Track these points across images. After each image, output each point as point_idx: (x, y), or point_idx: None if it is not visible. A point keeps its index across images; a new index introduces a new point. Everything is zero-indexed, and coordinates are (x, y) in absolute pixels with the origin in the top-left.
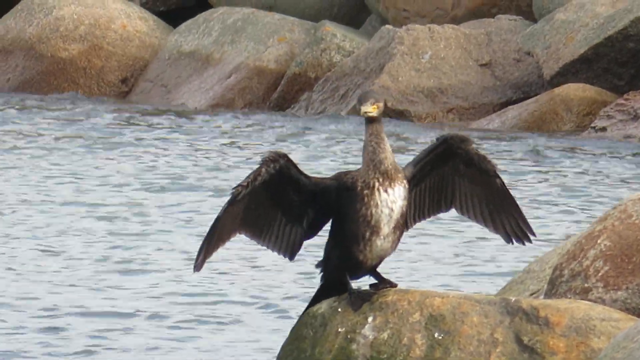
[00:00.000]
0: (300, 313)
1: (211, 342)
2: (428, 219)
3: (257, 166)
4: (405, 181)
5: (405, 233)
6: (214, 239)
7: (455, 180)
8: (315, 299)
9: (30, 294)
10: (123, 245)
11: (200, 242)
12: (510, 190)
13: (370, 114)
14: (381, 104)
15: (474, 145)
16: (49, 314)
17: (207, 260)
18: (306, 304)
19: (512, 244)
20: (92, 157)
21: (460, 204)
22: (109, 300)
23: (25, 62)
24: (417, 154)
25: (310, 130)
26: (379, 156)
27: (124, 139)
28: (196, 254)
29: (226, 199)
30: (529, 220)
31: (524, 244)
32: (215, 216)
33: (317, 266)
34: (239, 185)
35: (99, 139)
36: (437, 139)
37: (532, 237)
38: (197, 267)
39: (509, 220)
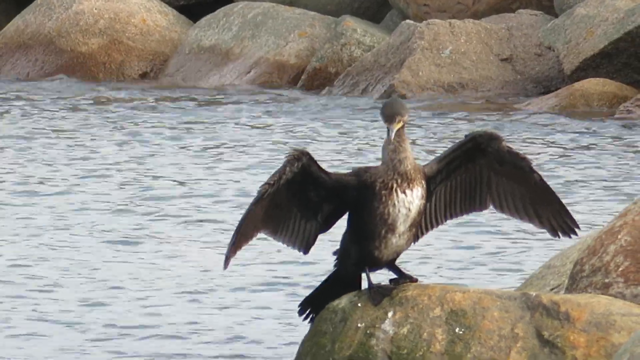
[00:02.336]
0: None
1: (231, 337)
2: (460, 217)
3: (282, 165)
4: (423, 182)
5: (435, 228)
6: (240, 237)
7: (490, 177)
8: (324, 286)
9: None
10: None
11: (229, 240)
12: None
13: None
14: (406, 117)
15: (504, 142)
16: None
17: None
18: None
19: (559, 238)
20: (113, 143)
21: (500, 202)
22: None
23: (44, 56)
24: (443, 150)
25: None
26: (399, 156)
27: (143, 127)
28: (225, 251)
29: (250, 199)
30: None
31: (570, 237)
32: (241, 215)
33: (334, 253)
34: (265, 183)
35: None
36: (466, 136)
37: (576, 230)
38: (225, 264)
39: (553, 215)
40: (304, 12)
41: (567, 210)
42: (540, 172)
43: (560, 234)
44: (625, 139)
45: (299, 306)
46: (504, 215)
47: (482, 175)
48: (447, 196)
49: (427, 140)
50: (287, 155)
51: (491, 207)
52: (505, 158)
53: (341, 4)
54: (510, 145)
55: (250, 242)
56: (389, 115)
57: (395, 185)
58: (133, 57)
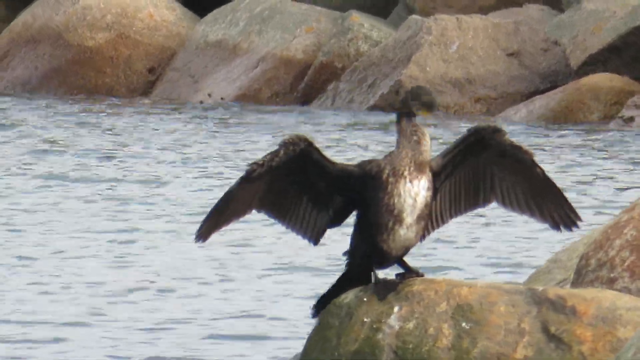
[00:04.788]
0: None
1: (242, 333)
2: (465, 214)
3: (276, 147)
4: (430, 173)
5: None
6: (225, 213)
7: (493, 172)
8: (336, 286)
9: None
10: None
11: (207, 213)
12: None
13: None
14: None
15: (507, 136)
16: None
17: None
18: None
19: (561, 231)
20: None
21: (502, 197)
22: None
23: (52, 50)
24: (447, 145)
25: (334, 121)
26: (422, 147)
27: (146, 131)
28: (200, 223)
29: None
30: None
31: (571, 230)
32: (226, 190)
33: (344, 254)
34: (253, 162)
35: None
36: (468, 130)
37: (578, 223)
38: (201, 236)
39: (555, 208)
40: (311, 7)
41: (568, 203)
42: (542, 166)
43: (562, 227)
44: (631, 135)
45: (312, 307)
46: (508, 211)
47: (485, 170)
48: (452, 193)
49: (433, 136)
50: (283, 139)
51: (494, 202)
52: (508, 151)
53: None
54: (513, 139)
55: (238, 221)
56: (434, 102)
57: (406, 173)
58: (140, 52)
